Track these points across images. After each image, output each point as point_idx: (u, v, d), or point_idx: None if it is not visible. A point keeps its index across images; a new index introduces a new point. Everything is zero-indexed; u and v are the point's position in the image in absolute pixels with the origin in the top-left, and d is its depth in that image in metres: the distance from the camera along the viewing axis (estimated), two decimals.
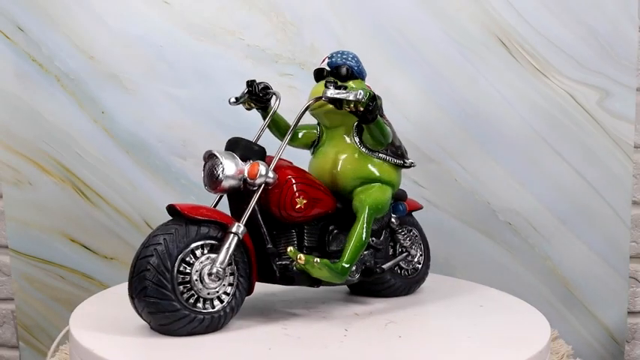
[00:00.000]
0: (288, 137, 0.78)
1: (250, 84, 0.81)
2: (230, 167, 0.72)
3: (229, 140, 0.76)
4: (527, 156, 1.09)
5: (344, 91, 0.75)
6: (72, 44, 1.10)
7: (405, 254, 0.88)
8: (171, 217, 0.71)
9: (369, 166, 0.81)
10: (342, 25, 1.08)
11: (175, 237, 0.68)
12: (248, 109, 0.84)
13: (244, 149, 0.75)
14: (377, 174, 0.81)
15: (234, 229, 0.70)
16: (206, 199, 1.12)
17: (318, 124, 0.86)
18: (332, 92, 0.75)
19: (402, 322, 0.77)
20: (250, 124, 0.86)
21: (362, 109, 0.75)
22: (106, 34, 1.10)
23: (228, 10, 1.09)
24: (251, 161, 0.74)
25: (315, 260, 0.73)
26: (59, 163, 1.13)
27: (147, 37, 1.09)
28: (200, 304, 0.69)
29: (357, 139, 0.81)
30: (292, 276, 0.75)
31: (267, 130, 0.82)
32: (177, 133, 1.11)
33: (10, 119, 1.12)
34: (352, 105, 0.75)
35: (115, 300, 0.84)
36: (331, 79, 0.79)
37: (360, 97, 0.74)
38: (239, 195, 0.75)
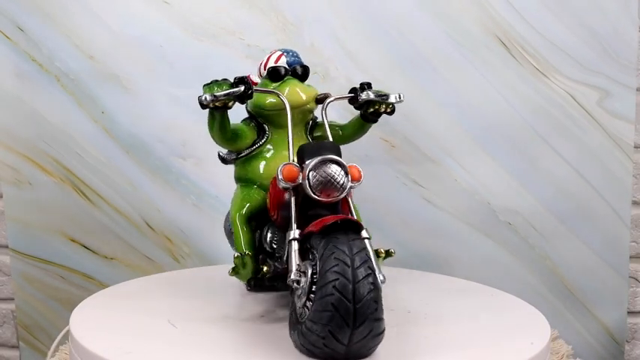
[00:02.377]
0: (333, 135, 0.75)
1: (245, 80, 0.76)
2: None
3: (320, 144, 0.70)
4: (527, 156, 1.09)
5: (383, 93, 0.76)
6: (72, 44, 1.10)
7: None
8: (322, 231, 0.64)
9: None
10: (342, 25, 1.08)
11: (363, 251, 0.62)
12: (206, 108, 0.77)
13: (338, 152, 0.68)
14: None
15: (366, 235, 0.65)
16: (206, 199, 1.12)
17: (256, 123, 0.82)
18: (372, 95, 0.76)
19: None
20: None
21: (390, 110, 0.76)
22: (106, 34, 1.09)
23: (228, 10, 1.09)
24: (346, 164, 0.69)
25: (392, 250, 0.75)
26: (59, 163, 1.13)
27: (147, 37, 1.09)
28: None
29: (309, 137, 0.82)
30: None
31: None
32: (177, 133, 1.11)
33: (10, 119, 1.12)
34: (384, 106, 0.75)
35: (115, 300, 0.84)
36: (366, 82, 0.79)
37: (402, 98, 0.74)
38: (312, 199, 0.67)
